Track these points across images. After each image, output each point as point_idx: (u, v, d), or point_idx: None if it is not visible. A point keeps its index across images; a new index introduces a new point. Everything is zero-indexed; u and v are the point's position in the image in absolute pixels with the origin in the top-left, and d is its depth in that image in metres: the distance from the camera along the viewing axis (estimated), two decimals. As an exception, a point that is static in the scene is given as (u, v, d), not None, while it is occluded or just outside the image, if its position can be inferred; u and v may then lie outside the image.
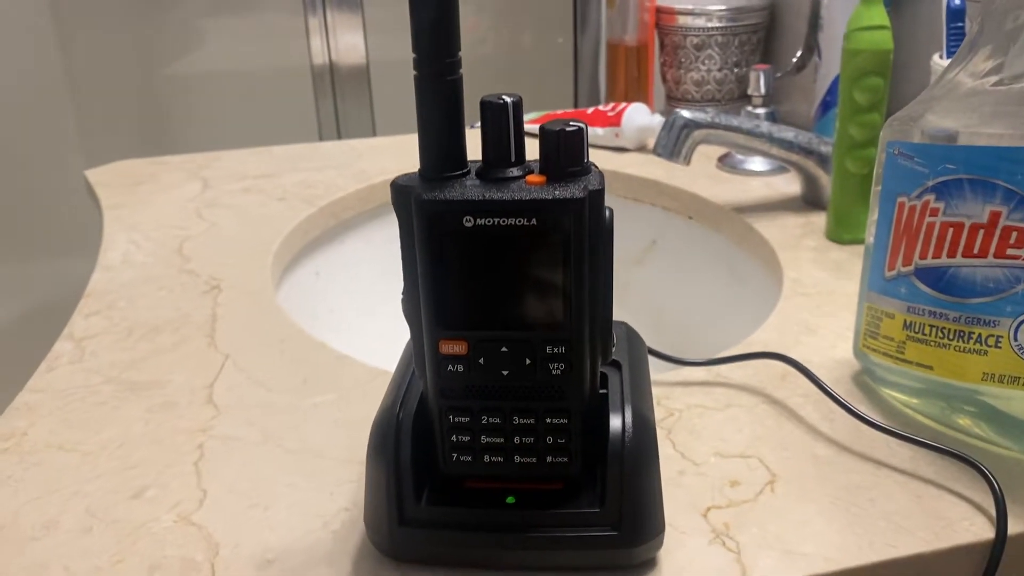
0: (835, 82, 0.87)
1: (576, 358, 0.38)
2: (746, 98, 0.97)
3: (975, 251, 0.46)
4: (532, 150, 0.37)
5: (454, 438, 0.40)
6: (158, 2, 1.49)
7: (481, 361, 0.39)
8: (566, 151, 0.37)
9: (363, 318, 0.86)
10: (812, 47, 0.97)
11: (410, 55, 0.36)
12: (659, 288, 0.94)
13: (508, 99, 0.37)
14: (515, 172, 0.37)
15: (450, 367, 0.39)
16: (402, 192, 0.37)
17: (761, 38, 1.08)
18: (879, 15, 0.70)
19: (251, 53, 1.52)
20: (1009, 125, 0.46)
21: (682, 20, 1.07)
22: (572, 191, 0.36)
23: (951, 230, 0.47)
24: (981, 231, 0.45)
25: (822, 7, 0.91)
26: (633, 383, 0.43)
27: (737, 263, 0.82)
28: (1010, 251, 0.45)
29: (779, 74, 0.99)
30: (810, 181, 0.83)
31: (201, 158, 1.04)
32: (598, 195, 0.37)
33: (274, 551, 0.43)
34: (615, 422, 0.40)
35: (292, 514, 0.46)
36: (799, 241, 0.76)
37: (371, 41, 1.47)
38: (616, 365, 0.44)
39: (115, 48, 1.51)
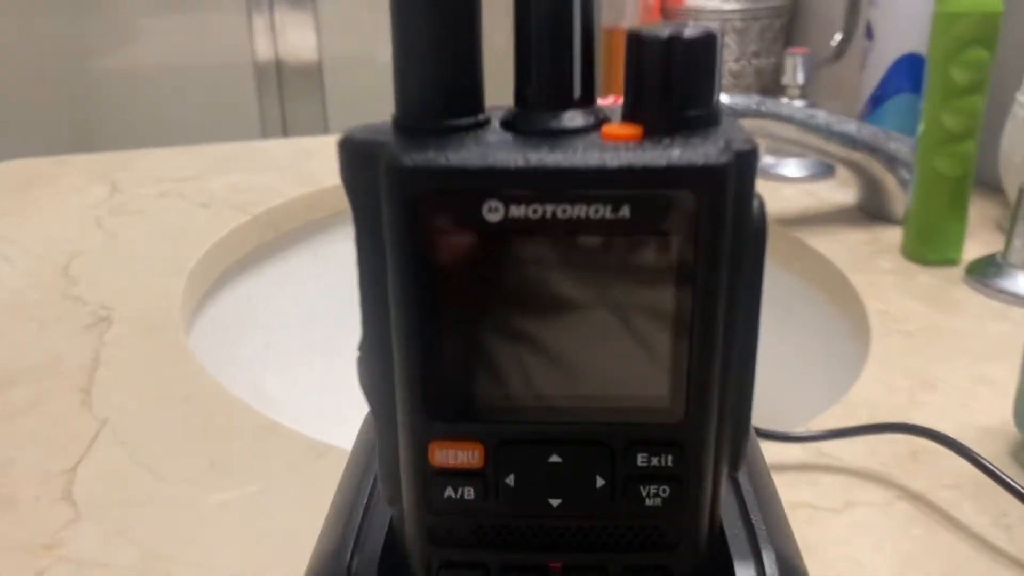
0: (895, 67, 0.71)
1: (693, 474, 0.21)
2: (770, 93, 0.81)
3: None
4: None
5: (455, 613, 0.22)
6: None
7: (510, 481, 0.21)
8: (685, 76, 0.19)
9: (308, 358, 0.68)
10: (852, 29, 0.81)
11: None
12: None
13: (573, -21, 0.19)
14: (579, 119, 0.20)
15: (449, 491, 0.21)
16: (361, 154, 0.20)
17: (784, 24, 0.92)
18: (987, -33, 0.53)
19: (188, 48, 1.34)
20: None
21: (692, 1, 0.90)
22: (701, 153, 0.18)
23: None
24: None
25: (875, -23, 0.75)
26: (763, 504, 0.25)
27: (790, 290, 0.65)
28: None
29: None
30: (872, 186, 0.66)
31: (113, 157, 0.84)
32: (748, 160, 0.19)
33: None
34: (744, 578, 0.23)
35: None
36: (870, 262, 0.59)
37: (324, 37, 1.30)
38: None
39: (38, 36, 1.31)
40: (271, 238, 0.70)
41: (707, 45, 0.19)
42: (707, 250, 0.19)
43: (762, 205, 0.20)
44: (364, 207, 0.20)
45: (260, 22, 1.29)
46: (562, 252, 0.19)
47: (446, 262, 0.19)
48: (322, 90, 1.27)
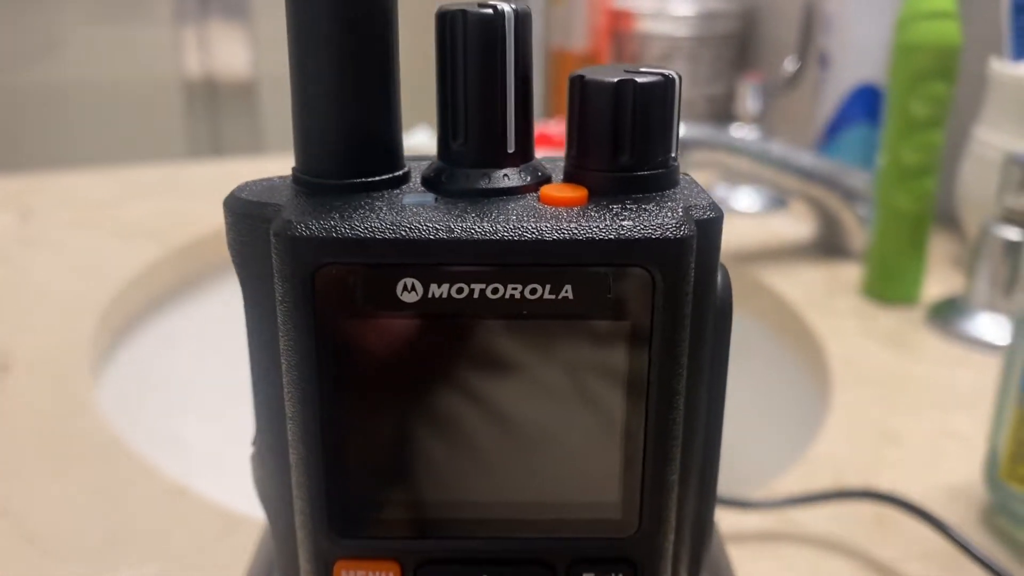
0: (851, 98, 0.69)
1: (646, 596, 0.17)
2: (722, 121, 0.79)
3: None
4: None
5: None
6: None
7: (431, 610, 0.17)
8: (637, 129, 0.16)
9: (231, 404, 0.63)
10: (806, 57, 0.80)
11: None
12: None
13: (506, 5, 0.16)
14: (514, 178, 0.16)
15: (359, 622, 0.17)
16: (250, 218, 0.16)
17: (736, 51, 0.91)
18: (945, -1, 0.52)
19: (112, 61, 1.27)
20: None
21: (642, 25, 0.88)
22: (657, 224, 0.15)
23: None
24: None
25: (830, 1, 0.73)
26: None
27: (744, 331, 0.62)
28: None
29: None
30: (829, 221, 0.64)
31: (25, 180, 0.79)
32: (711, 230, 0.16)
33: None
34: None
35: None
36: (829, 301, 0.57)
37: (260, 52, 1.25)
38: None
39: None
40: (194, 272, 0.66)
41: (664, 92, 0.16)
42: (664, 336, 0.16)
43: (727, 278, 0.17)
44: (254, 281, 0.17)
45: (190, 35, 1.24)
46: (492, 339, 0.16)
47: (352, 351, 0.16)
48: (257, 108, 1.21)
